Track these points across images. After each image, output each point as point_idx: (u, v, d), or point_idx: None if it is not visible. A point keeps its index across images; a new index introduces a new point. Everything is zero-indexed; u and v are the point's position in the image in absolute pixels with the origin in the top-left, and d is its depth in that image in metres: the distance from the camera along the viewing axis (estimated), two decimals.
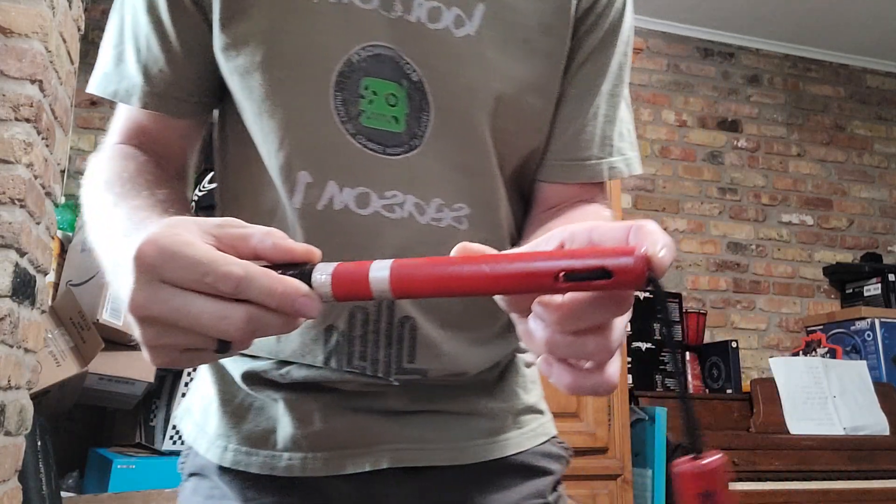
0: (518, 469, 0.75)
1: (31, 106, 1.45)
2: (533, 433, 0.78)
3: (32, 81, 1.46)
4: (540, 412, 0.81)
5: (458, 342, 0.71)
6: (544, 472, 0.77)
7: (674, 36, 3.63)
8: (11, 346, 1.41)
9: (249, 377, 0.72)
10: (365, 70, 0.66)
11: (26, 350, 1.51)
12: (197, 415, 0.77)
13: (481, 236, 0.70)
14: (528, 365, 0.82)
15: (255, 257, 0.46)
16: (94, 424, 2.25)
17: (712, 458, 0.39)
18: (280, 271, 0.46)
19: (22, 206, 1.43)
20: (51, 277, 1.93)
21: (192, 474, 0.76)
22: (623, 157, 0.77)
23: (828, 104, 3.82)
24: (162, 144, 0.73)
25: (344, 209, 0.67)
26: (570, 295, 0.43)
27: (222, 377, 0.75)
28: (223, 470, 0.72)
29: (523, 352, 0.81)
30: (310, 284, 0.46)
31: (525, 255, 0.42)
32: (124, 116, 0.74)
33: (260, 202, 0.71)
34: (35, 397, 1.61)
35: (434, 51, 0.68)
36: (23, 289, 1.47)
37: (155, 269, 0.43)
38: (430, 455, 0.72)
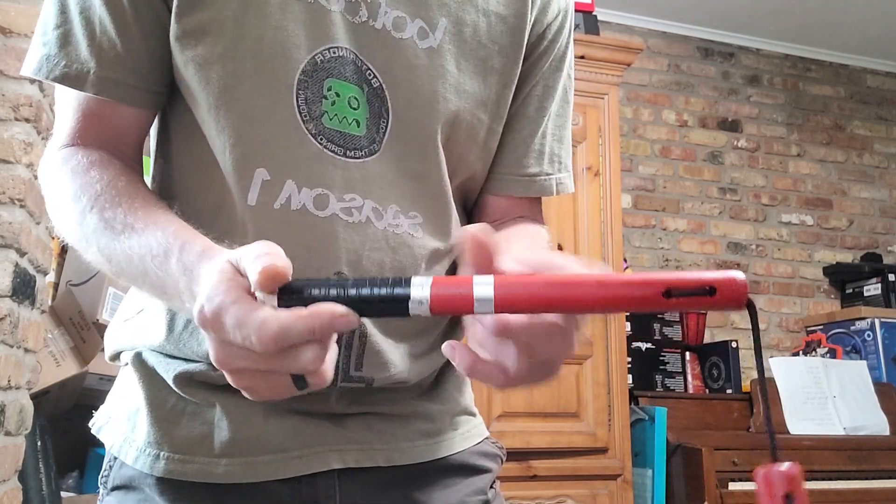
0: (457, 468, 0.76)
1: (31, 106, 1.45)
2: (469, 434, 0.79)
3: (32, 81, 1.46)
4: (473, 414, 0.82)
5: (402, 352, 0.72)
6: (483, 471, 0.78)
7: (674, 36, 3.63)
8: (11, 346, 1.41)
9: (182, 379, 0.69)
10: (328, 71, 0.66)
11: (26, 350, 1.51)
12: (122, 423, 0.72)
13: (433, 245, 0.72)
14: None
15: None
16: None
17: (792, 464, 0.45)
18: (380, 284, 0.48)
19: (22, 206, 1.43)
20: (51, 277, 1.92)
21: (115, 488, 0.71)
22: (569, 174, 0.83)
23: (828, 104, 3.82)
24: (120, 139, 0.70)
25: (301, 209, 0.66)
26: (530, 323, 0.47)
27: (151, 381, 0.70)
28: (155, 480, 0.68)
29: None
30: (408, 298, 0.47)
31: (626, 276, 0.46)
32: (76, 110, 0.69)
33: (205, 200, 0.68)
34: (35, 397, 1.61)
35: (397, 59, 0.68)
36: (23, 289, 1.47)
37: (218, 333, 0.48)
38: (372, 456, 0.71)
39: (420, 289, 0.47)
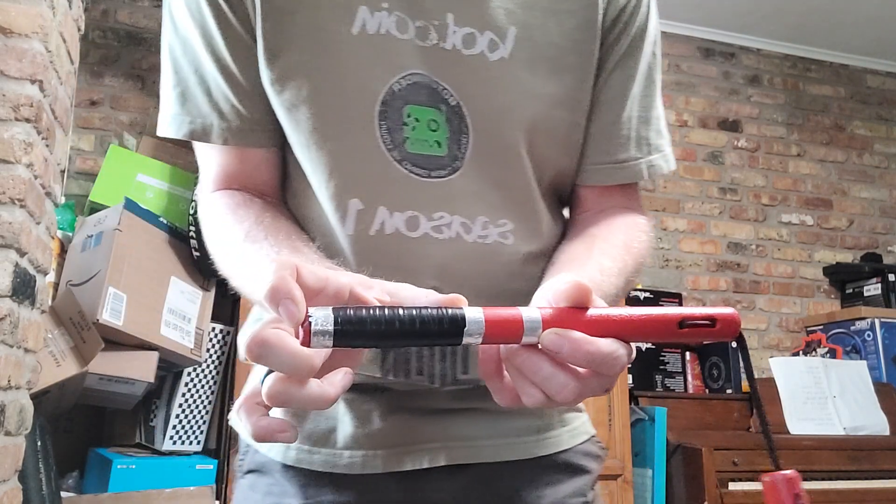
0: (562, 467, 0.77)
1: (31, 106, 1.45)
2: (577, 431, 0.80)
3: (32, 81, 1.46)
4: (580, 410, 0.83)
5: None
6: (585, 471, 0.79)
7: (675, 36, 3.63)
8: (11, 346, 1.41)
9: None
10: (406, 98, 0.69)
11: (26, 350, 1.51)
12: None
13: (526, 249, 0.75)
14: None
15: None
16: (94, 424, 2.25)
17: (793, 470, 0.53)
18: (432, 311, 0.48)
19: (22, 206, 1.43)
20: (51, 277, 1.93)
21: (250, 471, 0.78)
22: (661, 154, 0.81)
23: (828, 104, 3.81)
24: (254, 179, 0.75)
25: (395, 233, 0.70)
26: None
27: None
28: (283, 467, 0.75)
29: None
30: (464, 325, 0.48)
31: (648, 310, 0.52)
32: (212, 159, 0.76)
33: (311, 230, 0.74)
34: (35, 397, 1.61)
35: (470, 76, 0.70)
36: (23, 289, 1.47)
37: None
38: (482, 452, 0.74)
39: (474, 316, 0.48)
